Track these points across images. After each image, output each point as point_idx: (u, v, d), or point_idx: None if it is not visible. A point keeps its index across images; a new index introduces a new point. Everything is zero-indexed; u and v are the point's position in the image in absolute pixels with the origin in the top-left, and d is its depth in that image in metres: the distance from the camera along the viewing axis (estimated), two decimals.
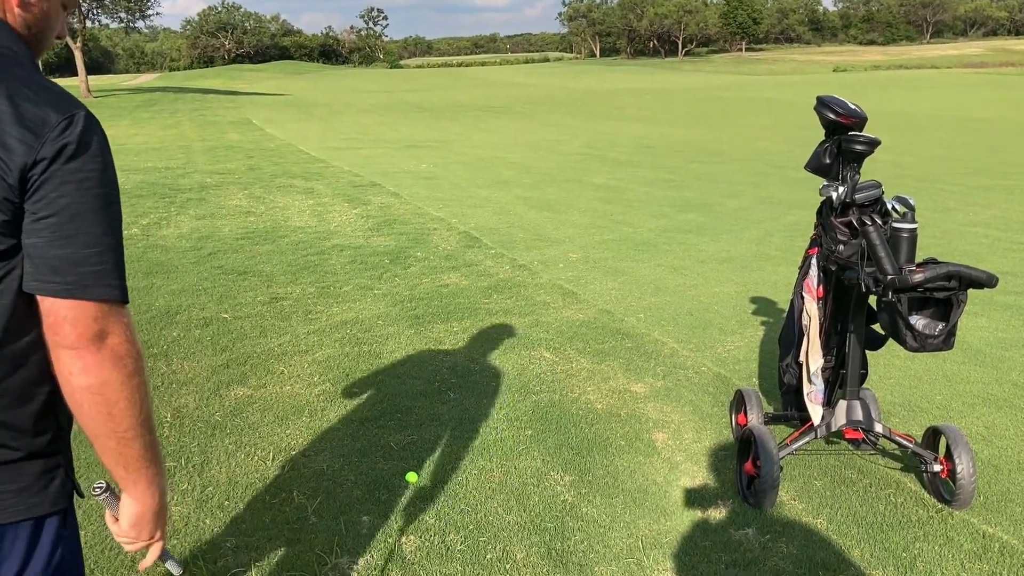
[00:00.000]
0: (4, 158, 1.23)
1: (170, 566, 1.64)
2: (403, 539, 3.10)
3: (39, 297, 1.29)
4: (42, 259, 1.26)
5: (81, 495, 1.51)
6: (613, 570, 2.95)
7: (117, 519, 1.50)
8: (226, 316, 5.69)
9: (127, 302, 1.36)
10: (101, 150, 1.33)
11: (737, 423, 4.01)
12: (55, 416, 1.40)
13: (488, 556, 3.01)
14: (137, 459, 1.40)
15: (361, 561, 2.96)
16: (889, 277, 2.95)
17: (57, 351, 1.30)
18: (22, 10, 1.37)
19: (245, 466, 3.62)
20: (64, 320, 1.28)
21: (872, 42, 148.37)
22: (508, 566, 2.96)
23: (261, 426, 4.02)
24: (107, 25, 57.08)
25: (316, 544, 3.05)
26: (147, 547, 1.52)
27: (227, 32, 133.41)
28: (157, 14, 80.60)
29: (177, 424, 4.02)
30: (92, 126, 1.32)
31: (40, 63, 1.42)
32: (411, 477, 3.51)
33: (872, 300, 3.31)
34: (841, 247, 3.31)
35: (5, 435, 1.34)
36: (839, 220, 3.36)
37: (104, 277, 1.30)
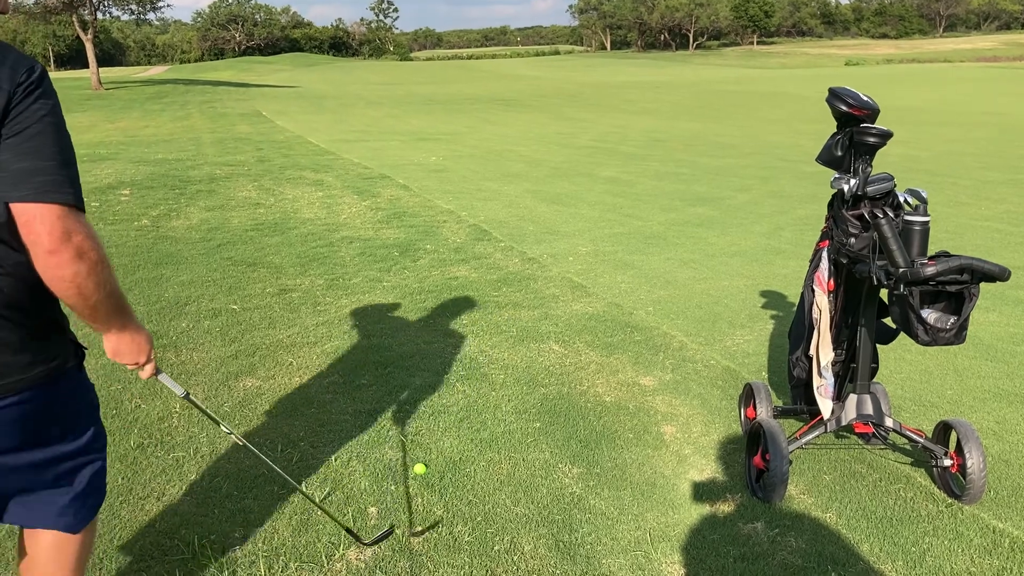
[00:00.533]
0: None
1: (171, 385, 2.29)
2: (411, 530, 3.10)
3: (12, 206, 1.61)
4: (8, 172, 1.60)
5: (84, 348, 2.01)
6: (621, 563, 2.94)
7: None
8: (235, 307, 5.70)
9: (83, 210, 1.70)
10: (53, 92, 1.71)
11: (746, 417, 3.99)
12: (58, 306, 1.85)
13: (496, 548, 3.01)
14: (105, 317, 1.86)
15: (369, 552, 2.96)
16: (901, 270, 2.93)
17: (35, 250, 1.64)
18: None
19: (252, 458, 3.62)
20: (34, 219, 1.61)
21: (885, 35, 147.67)
22: (516, 558, 2.96)
23: (269, 417, 4.03)
24: (118, 17, 57.18)
25: (324, 535, 3.05)
26: (140, 367, 2.08)
27: (237, 24, 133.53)
28: (168, 6, 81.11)
29: (185, 414, 4.03)
30: (46, 74, 1.70)
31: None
32: (419, 469, 3.52)
33: (883, 294, 3.29)
34: (852, 240, 3.29)
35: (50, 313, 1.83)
36: (851, 213, 3.34)
37: (60, 186, 1.64)
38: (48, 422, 1.89)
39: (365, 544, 2.97)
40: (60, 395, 1.90)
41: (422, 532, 3.09)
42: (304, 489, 2.81)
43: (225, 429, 2.53)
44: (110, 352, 1.99)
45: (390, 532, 3.06)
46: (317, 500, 3.20)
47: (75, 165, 1.71)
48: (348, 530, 2.95)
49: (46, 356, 1.84)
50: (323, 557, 2.92)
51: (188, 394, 2.35)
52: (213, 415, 2.54)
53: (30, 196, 1.60)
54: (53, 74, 67.65)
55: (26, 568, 2.09)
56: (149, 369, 2.10)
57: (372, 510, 3.22)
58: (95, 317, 1.83)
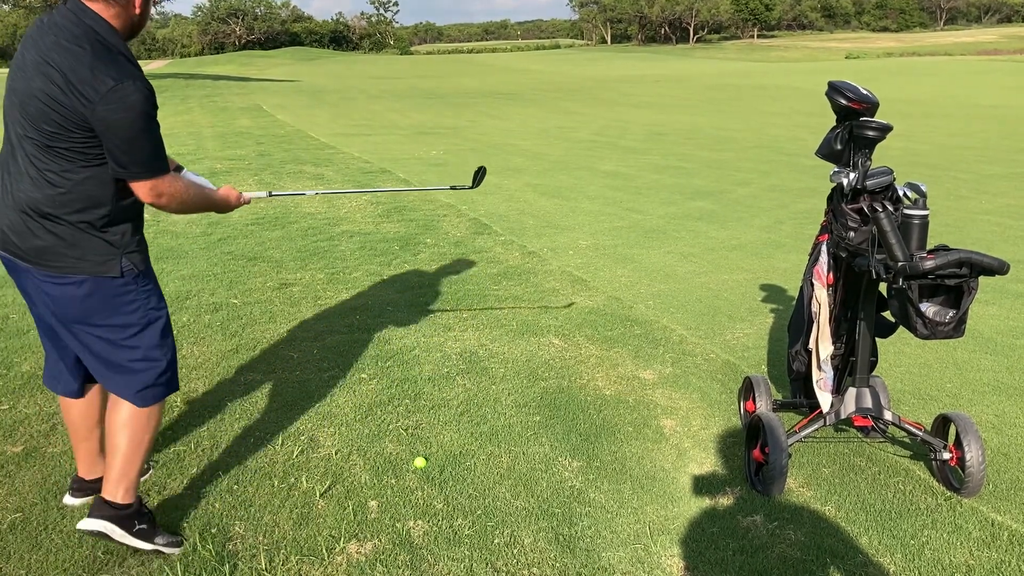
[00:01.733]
0: (85, 104, 2.41)
1: (257, 194, 3.40)
2: (411, 524, 3.11)
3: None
4: (116, 162, 2.52)
5: (131, 269, 2.74)
6: (620, 556, 2.95)
7: None
8: (235, 302, 5.70)
9: (165, 172, 2.62)
10: (137, 102, 2.45)
11: (746, 410, 4.00)
12: (111, 234, 2.67)
13: (496, 541, 3.02)
14: (200, 211, 2.97)
15: (369, 545, 2.97)
16: (900, 264, 2.93)
17: (143, 201, 2.65)
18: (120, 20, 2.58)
19: (254, 451, 3.63)
20: (138, 190, 2.59)
21: (885, 29, 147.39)
22: (515, 551, 2.97)
23: (270, 411, 4.04)
24: None
25: (324, 528, 3.06)
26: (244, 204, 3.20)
27: (238, 18, 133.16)
28: (168, 0, 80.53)
29: (187, 409, 4.04)
30: (133, 88, 2.45)
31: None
32: (419, 463, 3.53)
33: (882, 287, 3.30)
34: (852, 234, 3.30)
35: (88, 225, 2.62)
36: (850, 206, 3.34)
37: (148, 169, 2.56)
38: (96, 310, 2.70)
39: (470, 188, 4.02)
40: (104, 291, 2.68)
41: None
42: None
43: (310, 193, 3.96)
44: (220, 212, 3.10)
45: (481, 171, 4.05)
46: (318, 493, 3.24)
47: (158, 147, 2.59)
48: (453, 187, 4.40)
49: (92, 260, 2.64)
50: (324, 550, 2.93)
51: (271, 192, 3.54)
52: (298, 192, 3.90)
53: (131, 177, 2.56)
54: None
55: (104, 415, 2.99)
56: (245, 200, 3.16)
57: (373, 504, 3.23)
58: (194, 212, 2.93)
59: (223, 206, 3.04)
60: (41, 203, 2.56)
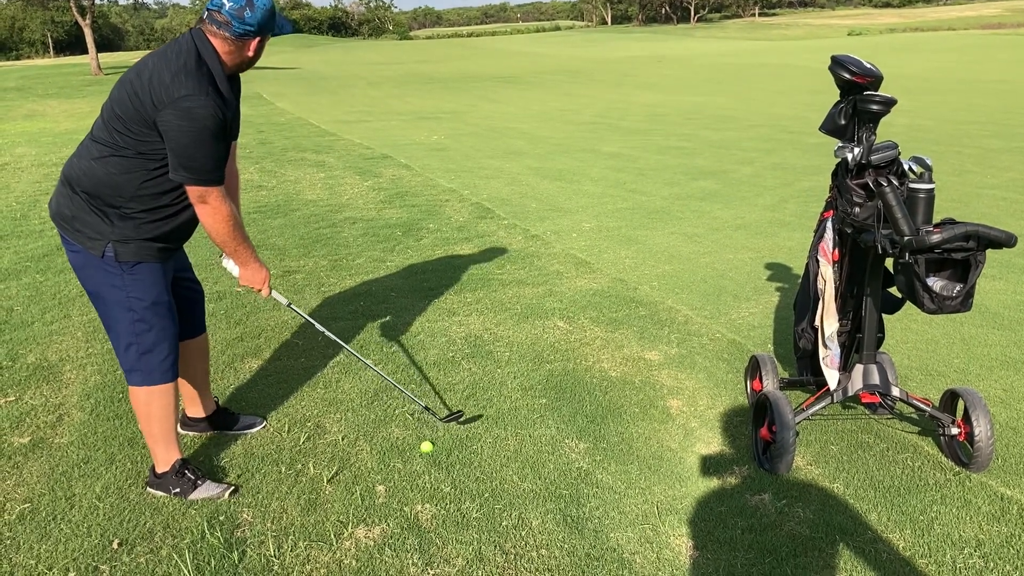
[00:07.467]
0: (156, 103, 2.70)
1: (277, 297, 3.44)
2: (419, 508, 3.11)
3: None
4: (173, 164, 2.77)
5: (114, 254, 2.93)
6: (629, 536, 2.95)
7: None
8: (239, 290, 5.69)
9: (216, 184, 2.82)
10: (201, 116, 2.70)
11: (752, 389, 3.99)
12: (112, 220, 2.89)
13: (504, 523, 3.02)
14: (233, 253, 3.07)
15: (377, 530, 2.97)
16: (906, 238, 2.90)
17: (191, 203, 2.89)
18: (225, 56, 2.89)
19: (260, 438, 3.63)
20: (189, 193, 2.84)
21: (888, 4, 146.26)
22: (524, 533, 2.96)
23: (276, 398, 4.04)
24: (116, 2, 56.78)
25: (332, 514, 3.06)
26: (259, 291, 3.23)
27: None
28: None
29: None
30: (203, 103, 2.70)
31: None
32: (426, 447, 3.52)
33: (889, 263, 3.27)
34: (857, 209, 3.27)
35: (100, 209, 2.89)
36: (855, 182, 3.31)
37: (198, 175, 2.78)
38: (88, 279, 2.96)
39: (439, 420, 3.73)
40: (93, 265, 2.92)
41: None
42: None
43: (319, 328, 3.69)
44: (241, 277, 3.16)
45: (459, 414, 3.77)
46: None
47: (211, 158, 2.78)
48: (425, 407, 3.79)
49: (86, 234, 2.88)
50: (332, 535, 2.93)
51: (291, 303, 3.53)
52: (311, 319, 3.69)
53: (183, 180, 2.79)
54: (52, 61, 67.29)
55: None
56: (264, 293, 3.24)
57: (380, 488, 3.23)
58: (227, 250, 3.05)
59: (250, 264, 3.14)
60: (75, 170, 2.89)
